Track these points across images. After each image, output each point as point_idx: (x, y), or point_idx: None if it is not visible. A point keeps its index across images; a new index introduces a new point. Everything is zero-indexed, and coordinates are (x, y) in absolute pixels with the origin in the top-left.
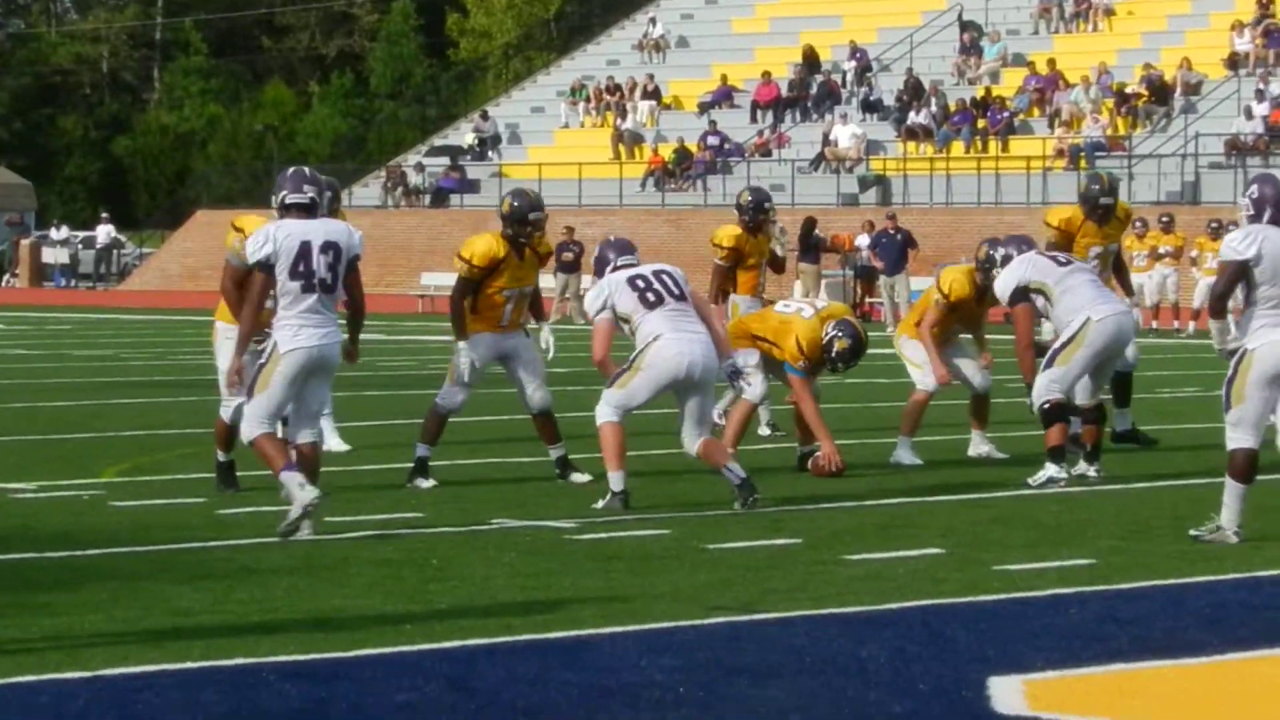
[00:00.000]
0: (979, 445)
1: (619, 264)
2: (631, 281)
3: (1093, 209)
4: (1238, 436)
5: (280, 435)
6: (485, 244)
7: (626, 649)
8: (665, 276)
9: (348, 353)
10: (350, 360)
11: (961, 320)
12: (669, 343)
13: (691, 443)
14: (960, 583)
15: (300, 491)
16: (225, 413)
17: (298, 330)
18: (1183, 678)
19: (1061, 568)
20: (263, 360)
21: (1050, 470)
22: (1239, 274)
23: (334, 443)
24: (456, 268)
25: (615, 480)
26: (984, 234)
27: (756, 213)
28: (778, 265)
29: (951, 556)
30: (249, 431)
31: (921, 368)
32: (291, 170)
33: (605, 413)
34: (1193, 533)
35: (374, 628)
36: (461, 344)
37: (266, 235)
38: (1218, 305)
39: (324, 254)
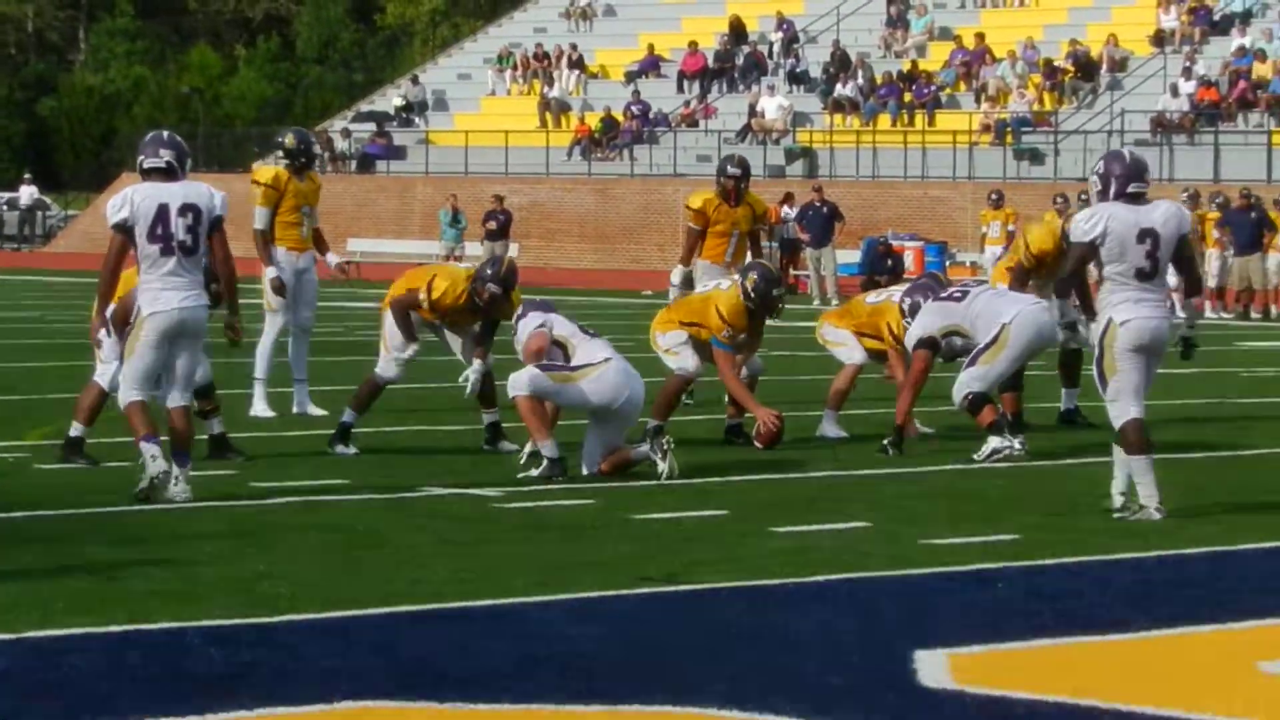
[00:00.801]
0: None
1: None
2: (567, 318)
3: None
4: (1120, 408)
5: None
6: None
7: (554, 618)
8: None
9: (230, 327)
10: (234, 337)
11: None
12: (618, 372)
13: (593, 463)
14: (886, 557)
15: (151, 463)
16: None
17: (158, 293)
18: (1108, 653)
19: (987, 543)
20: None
21: (994, 442)
22: (1087, 255)
23: (309, 407)
24: None
25: (549, 448)
26: (909, 207)
27: (722, 176)
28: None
29: (878, 530)
30: (123, 397)
31: (845, 345)
32: (150, 135)
33: (522, 387)
34: (1117, 515)
35: (300, 594)
36: None
37: (124, 198)
38: (1065, 287)
39: (182, 216)
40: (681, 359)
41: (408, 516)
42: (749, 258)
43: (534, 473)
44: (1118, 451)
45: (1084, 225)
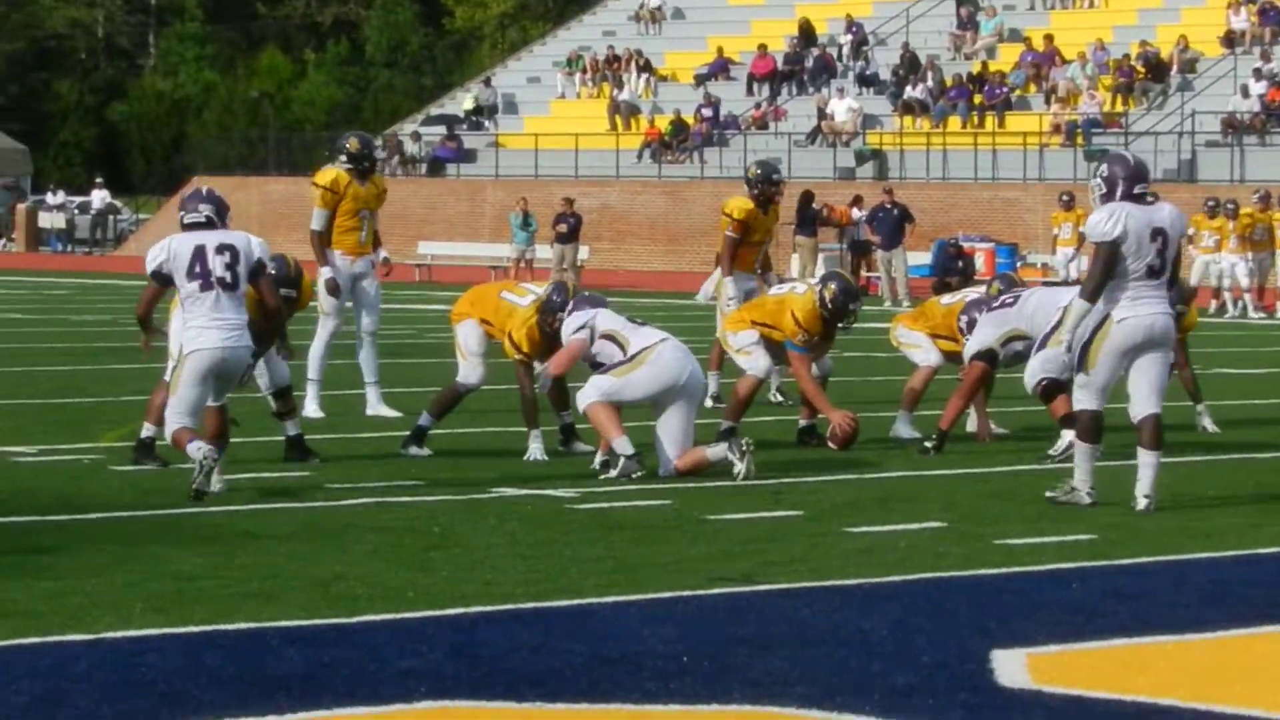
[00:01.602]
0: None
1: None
2: (611, 312)
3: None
4: (1085, 399)
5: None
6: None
7: (629, 618)
8: None
9: (280, 351)
10: (284, 351)
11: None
12: (673, 348)
13: (669, 463)
14: (961, 556)
15: (196, 452)
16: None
17: (201, 331)
18: (1185, 653)
19: (1061, 543)
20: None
21: (1069, 436)
22: (1113, 254)
23: (383, 409)
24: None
25: (623, 444)
26: (980, 209)
27: (765, 185)
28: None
29: (952, 530)
30: (169, 426)
31: (920, 347)
32: (190, 192)
33: (591, 395)
34: (1048, 494)
35: (376, 594)
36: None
37: (163, 246)
38: (1095, 290)
39: (219, 254)
40: (753, 359)
41: (482, 517)
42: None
43: (612, 473)
44: (1142, 453)
45: (1104, 225)
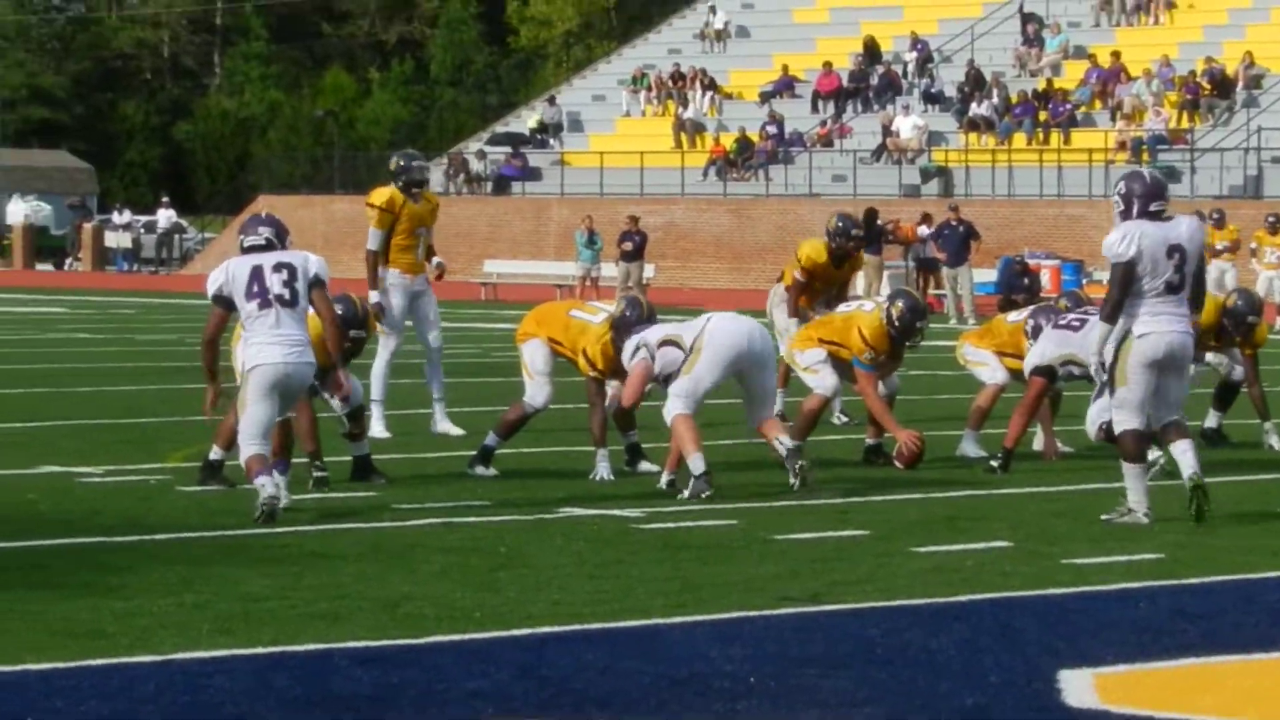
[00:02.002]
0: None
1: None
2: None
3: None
4: (1123, 418)
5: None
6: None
7: (696, 639)
8: None
9: (334, 383)
10: (336, 392)
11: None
12: (722, 318)
13: (753, 421)
14: (1028, 576)
15: (262, 490)
16: None
17: (262, 348)
18: (1254, 673)
19: (1129, 562)
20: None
21: (1154, 454)
22: (1129, 274)
23: (447, 427)
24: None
25: (697, 462)
26: (1046, 226)
27: (843, 239)
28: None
29: (1019, 549)
30: (242, 453)
31: (987, 365)
32: (249, 217)
33: (675, 405)
34: (1104, 517)
35: (443, 614)
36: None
37: (222, 269)
38: (1114, 312)
39: (277, 272)
40: (820, 377)
41: (549, 537)
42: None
43: (684, 493)
44: (1173, 447)
45: (1118, 247)
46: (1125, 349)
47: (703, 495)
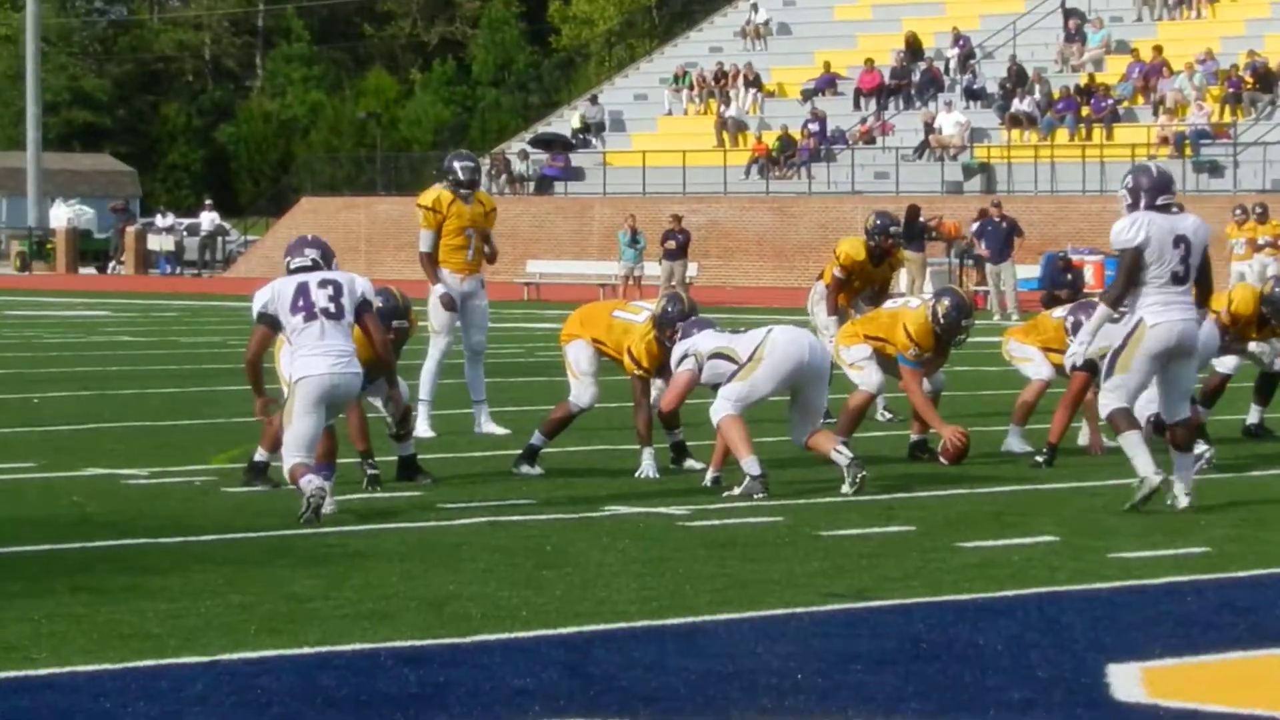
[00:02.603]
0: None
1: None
2: (714, 331)
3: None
4: (1112, 399)
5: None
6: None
7: (743, 635)
8: None
9: (390, 399)
10: (394, 411)
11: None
12: (783, 331)
13: (801, 435)
14: (1075, 570)
15: (307, 486)
16: None
17: (307, 359)
18: None
19: (1176, 556)
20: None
21: (1203, 448)
22: (1136, 260)
23: (492, 428)
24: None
25: (751, 464)
26: (1088, 221)
27: (881, 237)
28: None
29: (1065, 544)
30: (286, 462)
31: (1032, 360)
32: (295, 239)
33: (724, 408)
34: (1126, 506)
35: (489, 613)
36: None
37: (268, 288)
38: (1119, 297)
39: (322, 288)
40: (866, 374)
41: (593, 535)
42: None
43: (736, 490)
44: (1176, 455)
45: (1127, 233)
46: (1137, 337)
47: (755, 496)
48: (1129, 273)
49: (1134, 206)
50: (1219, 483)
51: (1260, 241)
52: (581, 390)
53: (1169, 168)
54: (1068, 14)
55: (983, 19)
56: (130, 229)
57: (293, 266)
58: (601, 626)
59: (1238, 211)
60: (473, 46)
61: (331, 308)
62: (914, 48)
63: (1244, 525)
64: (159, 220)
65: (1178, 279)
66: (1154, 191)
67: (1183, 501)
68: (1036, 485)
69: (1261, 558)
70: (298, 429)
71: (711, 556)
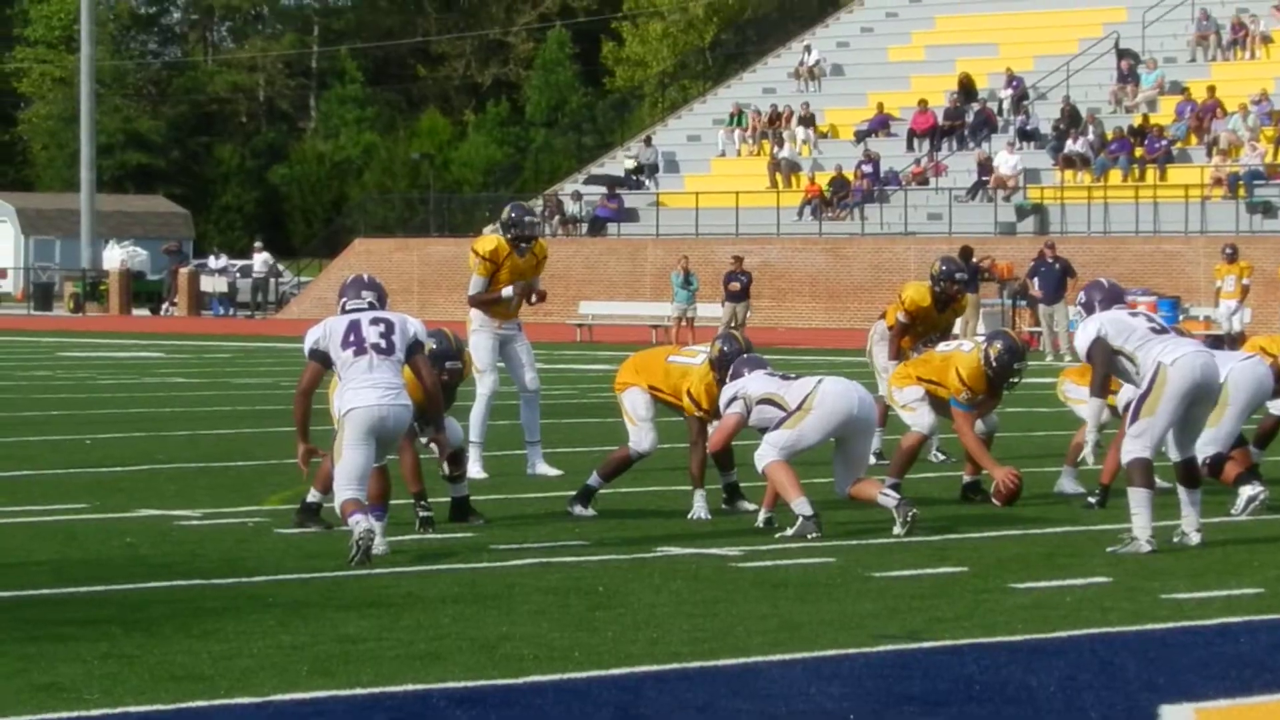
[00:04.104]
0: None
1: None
2: (765, 374)
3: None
4: (1136, 447)
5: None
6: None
7: (795, 676)
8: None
9: (433, 440)
10: (438, 452)
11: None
12: (834, 382)
13: (844, 486)
14: (1128, 612)
15: (356, 526)
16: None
17: (356, 392)
18: None
19: (1229, 596)
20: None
21: (1246, 491)
22: (1105, 349)
23: (545, 469)
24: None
25: (802, 505)
26: (1141, 262)
27: (947, 283)
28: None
29: (1118, 585)
30: (338, 497)
31: (1086, 402)
32: (351, 279)
33: (769, 454)
34: (1110, 549)
35: (541, 655)
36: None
37: (321, 326)
38: (1103, 385)
39: (374, 325)
40: (918, 415)
41: (646, 576)
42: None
43: (789, 532)
44: (1183, 492)
45: (1088, 330)
46: (1160, 379)
47: (809, 536)
48: (1103, 360)
49: (1089, 311)
50: (1271, 523)
51: None
52: (641, 436)
53: (1222, 209)
54: (1121, 55)
55: (1036, 60)
56: (183, 270)
57: (348, 308)
58: (653, 668)
59: None
60: (526, 88)
61: (383, 344)
62: (967, 88)
63: None
64: (212, 262)
65: (1161, 330)
66: (1108, 302)
67: (1194, 539)
68: (1089, 526)
69: None
70: (347, 462)
71: (764, 597)
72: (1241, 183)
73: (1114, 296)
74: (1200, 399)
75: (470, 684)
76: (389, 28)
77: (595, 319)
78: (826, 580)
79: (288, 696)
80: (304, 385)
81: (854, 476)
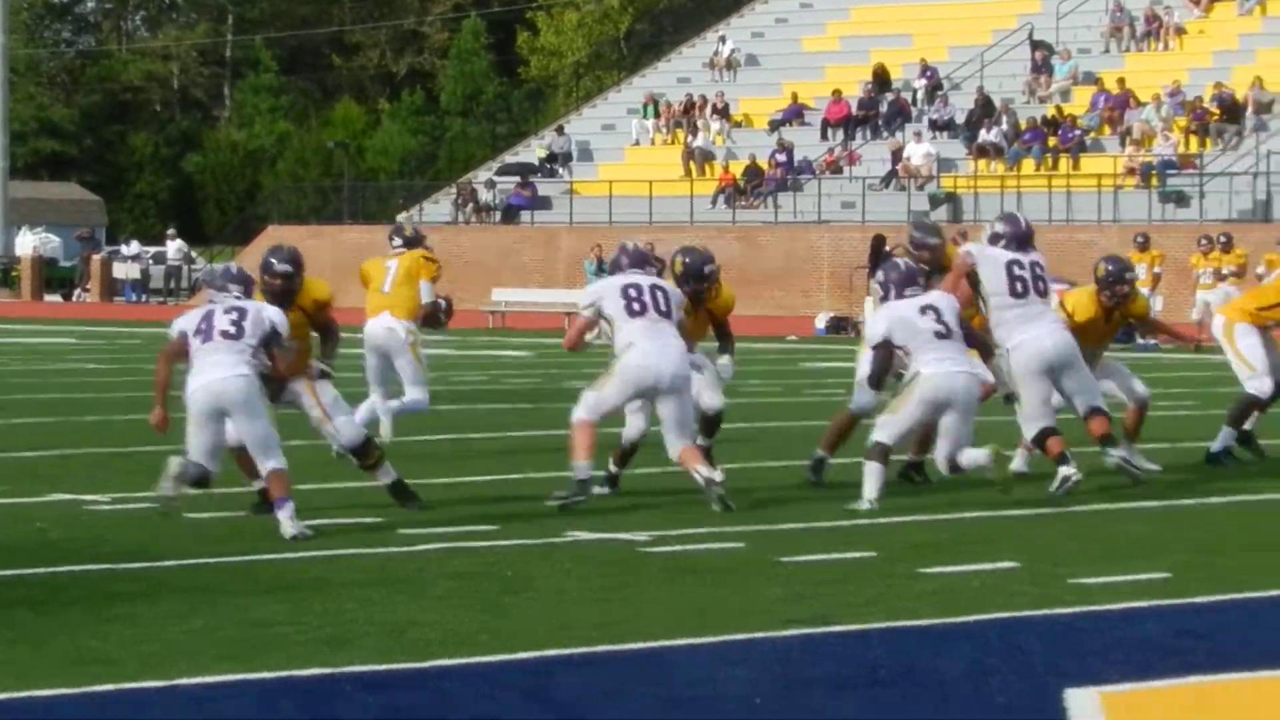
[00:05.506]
0: (1129, 455)
1: (627, 272)
2: (624, 289)
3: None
4: (880, 435)
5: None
6: None
7: (702, 661)
8: (658, 293)
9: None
10: (303, 373)
11: (1092, 342)
12: (639, 353)
13: (673, 449)
14: (1034, 596)
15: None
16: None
17: (197, 374)
18: (1260, 691)
19: (1135, 581)
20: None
21: (1062, 471)
22: (890, 351)
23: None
24: None
25: (579, 469)
26: (1054, 252)
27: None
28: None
29: (1025, 570)
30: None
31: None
32: (221, 270)
33: (578, 413)
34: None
35: (450, 639)
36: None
37: (189, 315)
38: (879, 381)
39: (228, 314)
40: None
41: (554, 561)
42: None
43: (559, 494)
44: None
45: (872, 333)
46: (914, 384)
47: (567, 500)
48: (881, 362)
49: (885, 299)
50: (1178, 509)
51: (1224, 271)
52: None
53: (1135, 199)
54: (1035, 45)
55: (951, 50)
56: (96, 257)
57: (215, 299)
58: (562, 652)
59: (1203, 241)
60: (441, 77)
61: (232, 330)
62: (881, 79)
63: (1202, 551)
64: (124, 249)
65: (941, 336)
66: (901, 285)
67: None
68: (997, 511)
69: (1220, 583)
70: (190, 439)
71: (672, 582)
72: (1154, 172)
73: (908, 279)
74: (949, 407)
75: (378, 668)
76: (304, 17)
77: (509, 306)
78: (734, 565)
79: (195, 680)
80: (161, 363)
81: (676, 444)
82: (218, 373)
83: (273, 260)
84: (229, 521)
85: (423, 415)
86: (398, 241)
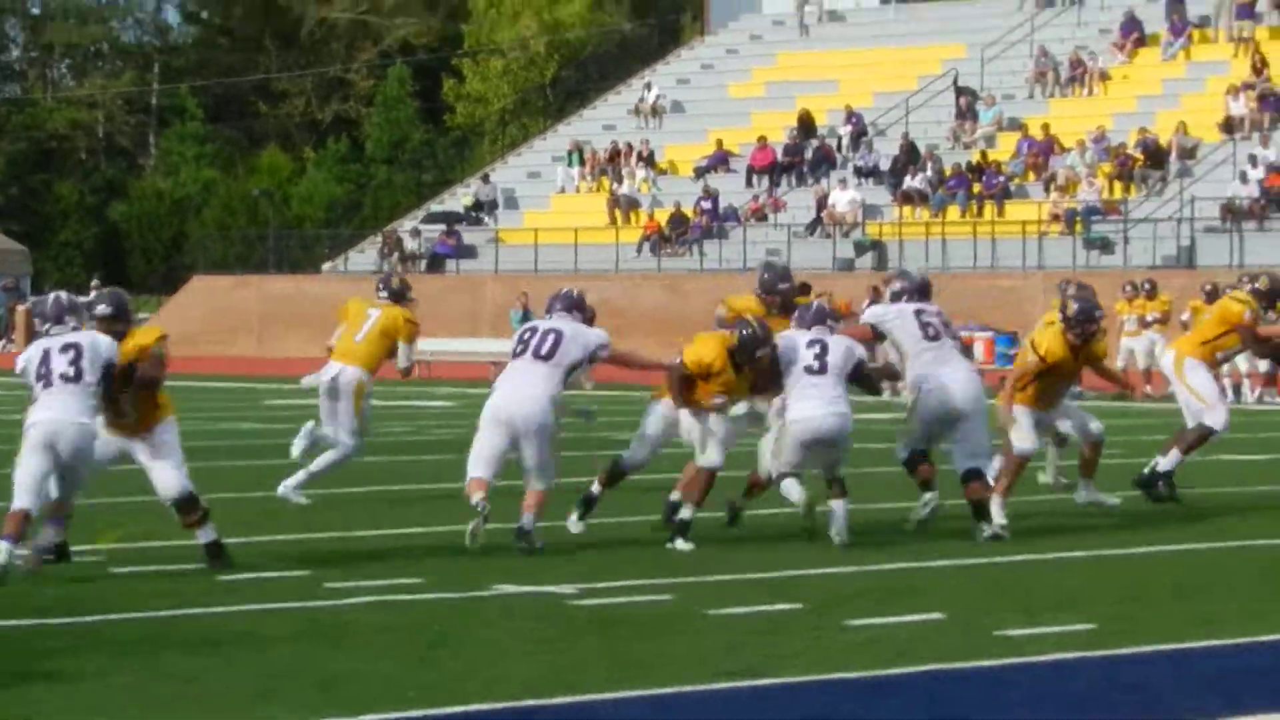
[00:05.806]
0: (1092, 494)
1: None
2: (522, 331)
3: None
4: (775, 466)
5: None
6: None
7: (633, 714)
8: (549, 335)
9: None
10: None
11: (1063, 380)
12: (495, 396)
13: (528, 489)
14: (962, 648)
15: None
16: None
17: (37, 411)
18: None
19: (1062, 633)
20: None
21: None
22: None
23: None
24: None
25: (474, 499)
26: (979, 298)
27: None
28: None
29: (953, 622)
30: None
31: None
32: (51, 301)
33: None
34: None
35: (377, 693)
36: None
37: (25, 355)
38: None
39: (64, 353)
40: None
41: (483, 614)
42: None
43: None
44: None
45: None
46: (785, 429)
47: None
48: (775, 374)
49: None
50: (1104, 559)
51: (1149, 318)
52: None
53: (1059, 245)
54: (959, 92)
55: (876, 96)
56: (20, 307)
57: (52, 332)
58: (490, 706)
59: (1127, 288)
60: (367, 125)
61: (70, 371)
62: (807, 125)
63: (1127, 602)
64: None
65: (812, 371)
66: (806, 322)
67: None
68: (924, 563)
69: (1147, 634)
70: (18, 470)
71: (600, 635)
72: (1079, 219)
73: (818, 318)
74: (820, 445)
75: None
76: (229, 65)
77: (435, 355)
78: (663, 618)
79: None
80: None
81: (532, 483)
82: (56, 414)
83: (97, 304)
84: (152, 575)
85: (349, 466)
86: (384, 292)
